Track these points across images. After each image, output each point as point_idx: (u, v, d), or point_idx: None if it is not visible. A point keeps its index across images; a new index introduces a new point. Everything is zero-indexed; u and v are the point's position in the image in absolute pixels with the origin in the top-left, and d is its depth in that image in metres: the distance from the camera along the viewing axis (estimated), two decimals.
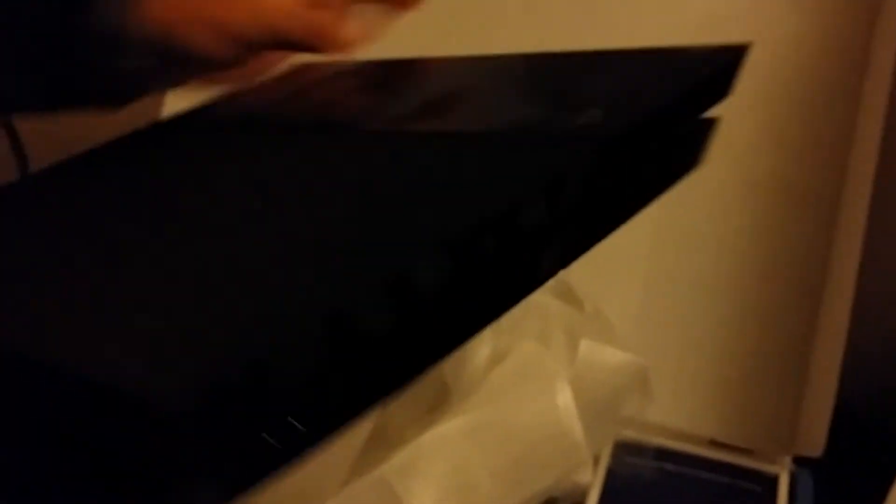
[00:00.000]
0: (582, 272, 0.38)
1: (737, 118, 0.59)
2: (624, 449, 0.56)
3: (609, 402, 0.47)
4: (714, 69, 0.34)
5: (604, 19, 0.64)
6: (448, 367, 0.49)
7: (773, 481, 0.56)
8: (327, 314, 0.22)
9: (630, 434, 0.56)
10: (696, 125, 0.35)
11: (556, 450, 0.44)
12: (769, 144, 0.59)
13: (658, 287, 0.58)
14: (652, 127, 0.32)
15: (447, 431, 0.43)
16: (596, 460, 0.54)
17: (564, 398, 0.44)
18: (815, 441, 0.55)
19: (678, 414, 0.58)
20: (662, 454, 0.57)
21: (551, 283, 0.47)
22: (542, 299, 0.48)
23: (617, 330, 0.52)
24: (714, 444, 0.58)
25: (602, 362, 0.47)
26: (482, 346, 0.47)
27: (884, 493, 0.50)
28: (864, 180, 0.55)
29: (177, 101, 0.46)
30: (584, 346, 0.46)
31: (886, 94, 0.56)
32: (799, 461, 0.57)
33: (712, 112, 0.35)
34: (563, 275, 0.47)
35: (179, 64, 0.37)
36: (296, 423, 0.22)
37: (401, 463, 0.42)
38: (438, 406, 0.45)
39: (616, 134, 0.31)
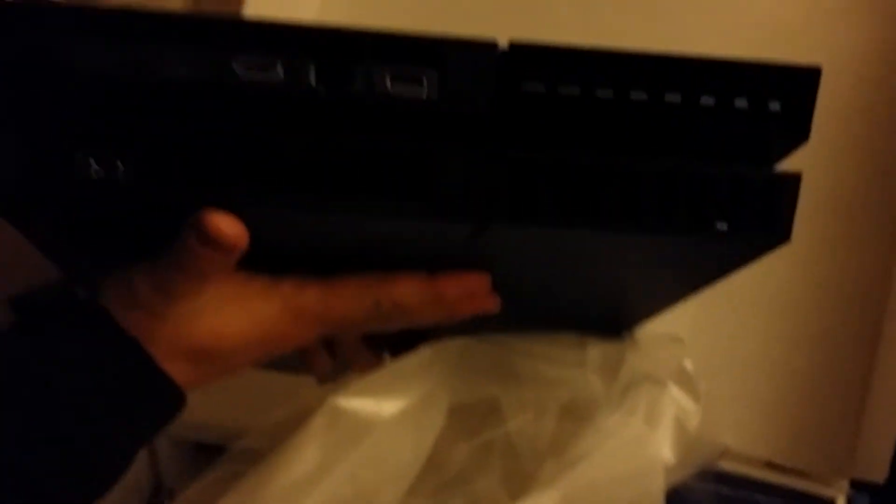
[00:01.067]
0: None
1: None
2: None
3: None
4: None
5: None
6: (551, 429, 0.49)
7: None
8: None
9: None
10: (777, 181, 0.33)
11: None
12: (829, 162, 0.58)
13: (715, 306, 0.57)
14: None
15: (546, 500, 0.43)
16: None
17: (657, 487, 0.45)
18: (876, 465, 0.54)
19: (735, 435, 0.57)
20: (719, 477, 0.56)
21: (673, 369, 0.48)
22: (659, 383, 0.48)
23: None
24: (771, 465, 0.58)
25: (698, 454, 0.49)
26: (592, 417, 0.47)
27: None
28: None
29: None
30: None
31: None
32: (857, 485, 0.56)
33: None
34: (686, 362, 0.48)
35: None
36: None
37: None
38: (537, 471, 0.46)
39: None
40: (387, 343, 0.44)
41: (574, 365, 0.48)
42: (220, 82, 0.29)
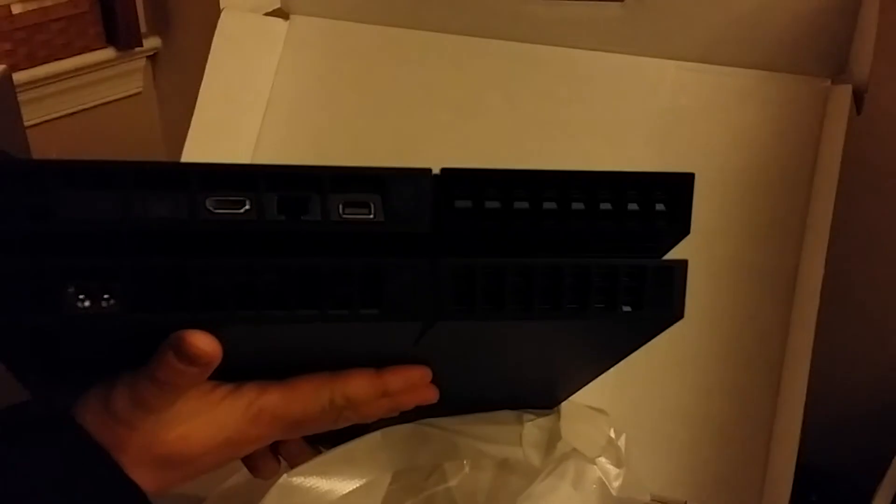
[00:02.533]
0: None
1: (701, 203, 0.64)
2: None
3: None
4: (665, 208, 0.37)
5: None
6: (489, 485, 0.54)
7: None
8: None
9: None
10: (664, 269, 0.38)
11: None
12: (730, 228, 0.64)
13: (634, 363, 0.62)
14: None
15: None
16: None
17: None
18: (778, 501, 0.60)
19: (655, 479, 0.62)
20: None
21: (595, 447, 0.53)
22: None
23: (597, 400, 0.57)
24: None
25: None
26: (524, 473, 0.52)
27: None
28: (817, 261, 0.60)
29: None
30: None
31: (835, 181, 0.61)
32: None
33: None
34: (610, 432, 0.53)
35: None
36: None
37: None
38: None
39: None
40: (324, 439, 0.47)
41: (512, 443, 0.52)
42: (196, 219, 0.32)
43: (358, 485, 0.48)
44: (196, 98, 0.72)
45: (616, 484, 0.53)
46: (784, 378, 0.62)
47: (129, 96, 1.38)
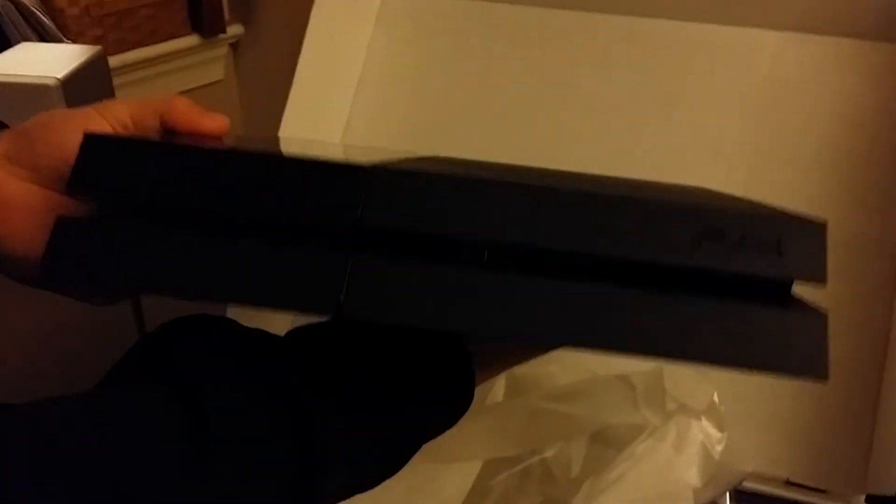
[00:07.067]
0: None
1: (802, 174, 0.63)
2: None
3: None
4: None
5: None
6: (583, 456, 0.54)
7: None
8: None
9: None
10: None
11: None
12: (832, 198, 0.62)
13: None
14: None
15: None
16: None
17: None
18: (888, 479, 0.58)
19: (756, 457, 0.61)
20: (740, 495, 0.60)
21: (702, 401, 0.52)
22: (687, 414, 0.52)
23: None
24: (790, 484, 0.62)
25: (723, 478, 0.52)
26: (619, 444, 0.52)
27: None
28: None
29: None
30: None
31: None
32: (872, 500, 0.60)
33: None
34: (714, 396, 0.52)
35: None
36: None
37: None
38: (574, 495, 0.50)
39: None
40: None
41: (625, 408, 0.52)
42: None
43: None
44: (275, 85, 0.73)
45: (719, 448, 0.52)
46: (890, 352, 0.61)
47: (211, 84, 1.41)
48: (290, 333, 0.39)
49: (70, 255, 0.34)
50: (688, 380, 0.55)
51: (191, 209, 0.34)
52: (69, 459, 0.28)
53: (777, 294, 0.33)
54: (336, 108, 0.75)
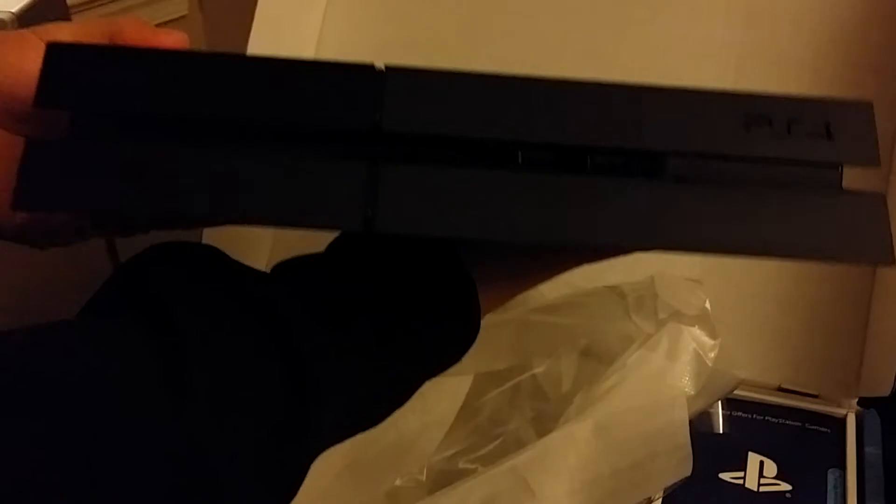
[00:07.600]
0: None
1: (796, 77, 0.61)
2: None
3: None
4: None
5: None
6: (574, 371, 0.52)
7: (841, 422, 0.59)
8: None
9: None
10: None
11: (670, 462, 0.47)
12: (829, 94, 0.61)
13: None
14: None
15: (577, 431, 0.46)
16: None
17: (681, 416, 0.47)
18: (880, 382, 0.58)
19: (748, 365, 0.60)
20: (732, 403, 0.60)
21: (695, 307, 0.51)
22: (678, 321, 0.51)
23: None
24: (782, 390, 0.61)
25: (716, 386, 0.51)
26: (609, 358, 0.51)
27: None
28: None
29: None
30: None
31: None
32: (865, 402, 0.60)
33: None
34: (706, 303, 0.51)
35: None
36: None
37: (532, 456, 0.44)
38: (565, 409, 0.49)
39: None
40: None
41: (616, 317, 0.51)
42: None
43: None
44: (243, 19, 0.70)
45: (711, 355, 0.51)
46: None
47: (175, 20, 1.36)
48: (277, 266, 0.36)
49: (47, 179, 0.29)
50: (679, 287, 0.54)
51: (185, 118, 0.30)
52: (35, 392, 0.26)
53: (831, 180, 0.31)
54: (306, 27, 0.72)
